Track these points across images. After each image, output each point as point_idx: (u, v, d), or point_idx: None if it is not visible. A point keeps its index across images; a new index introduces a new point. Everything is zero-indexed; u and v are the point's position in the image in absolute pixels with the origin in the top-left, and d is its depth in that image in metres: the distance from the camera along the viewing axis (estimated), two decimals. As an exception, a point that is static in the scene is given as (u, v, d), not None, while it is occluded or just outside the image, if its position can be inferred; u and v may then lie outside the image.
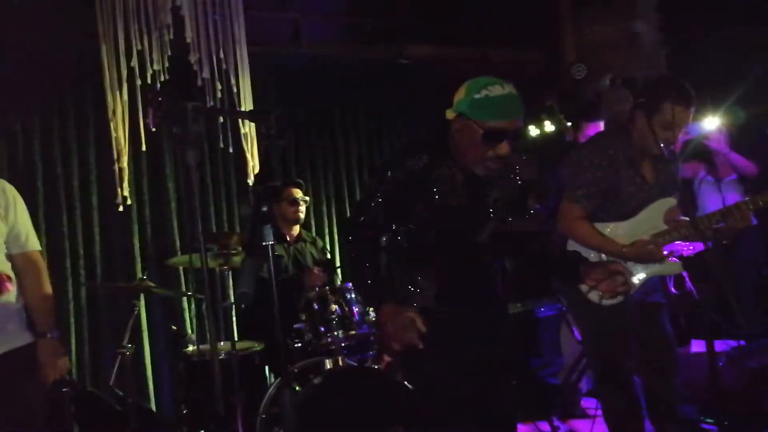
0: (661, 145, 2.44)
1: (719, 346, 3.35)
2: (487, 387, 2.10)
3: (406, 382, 2.91)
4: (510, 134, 1.94)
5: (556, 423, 3.52)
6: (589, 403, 3.71)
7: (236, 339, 3.36)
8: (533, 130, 5.20)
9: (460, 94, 2.00)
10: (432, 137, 2.10)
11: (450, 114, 2.01)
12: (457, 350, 2.04)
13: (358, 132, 4.90)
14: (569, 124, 4.54)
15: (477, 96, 1.94)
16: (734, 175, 4.04)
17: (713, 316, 2.65)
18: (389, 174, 2.01)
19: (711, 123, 3.97)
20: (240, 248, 3.14)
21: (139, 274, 3.80)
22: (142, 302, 3.90)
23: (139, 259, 4.04)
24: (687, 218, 2.56)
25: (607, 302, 2.39)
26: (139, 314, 3.76)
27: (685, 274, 2.82)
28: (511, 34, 5.24)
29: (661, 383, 2.76)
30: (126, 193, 3.80)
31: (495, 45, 5.32)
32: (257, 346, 3.23)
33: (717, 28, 4.20)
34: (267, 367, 3.59)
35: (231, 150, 4.03)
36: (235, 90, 3.89)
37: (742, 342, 3.69)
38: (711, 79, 3.66)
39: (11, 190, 2.30)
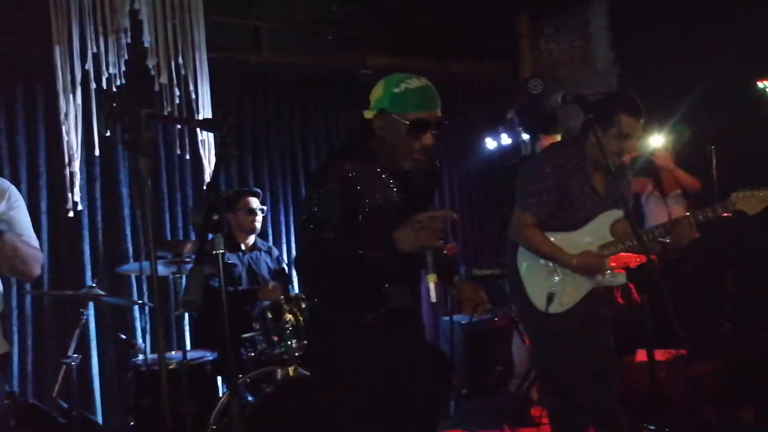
0: (612, 159, 2.53)
1: (661, 355, 3.46)
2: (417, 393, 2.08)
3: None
4: (433, 125, 1.96)
5: (507, 431, 3.58)
6: (539, 412, 3.78)
7: (188, 348, 3.32)
8: (490, 143, 5.31)
9: (377, 92, 2.00)
10: (354, 142, 2.09)
11: (369, 113, 2.00)
12: (389, 360, 2.03)
13: (318, 141, 4.90)
14: (527, 137, 4.65)
15: (397, 90, 1.95)
16: (679, 190, 4.20)
17: (655, 326, 2.75)
18: (324, 182, 1.96)
19: (657, 141, 4.14)
20: (194, 257, 3.10)
21: (89, 282, 3.71)
22: (91, 311, 3.80)
23: (89, 266, 3.94)
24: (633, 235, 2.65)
25: (553, 311, 2.45)
26: (87, 323, 3.67)
27: (631, 285, 2.92)
28: (470, 47, 5.36)
29: (604, 392, 2.84)
30: (77, 198, 3.71)
31: (455, 57, 5.42)
32: (209, 356, 3.19)
33: (666, 48, 4.38)
34: (219, 378, 3.55)
35: (188, 157, 3.99)
36: (193, 96, 3.85)
37: (682, 351, 3.83)
38: (659, 98, 3.81)
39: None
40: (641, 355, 3.85)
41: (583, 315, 2.76)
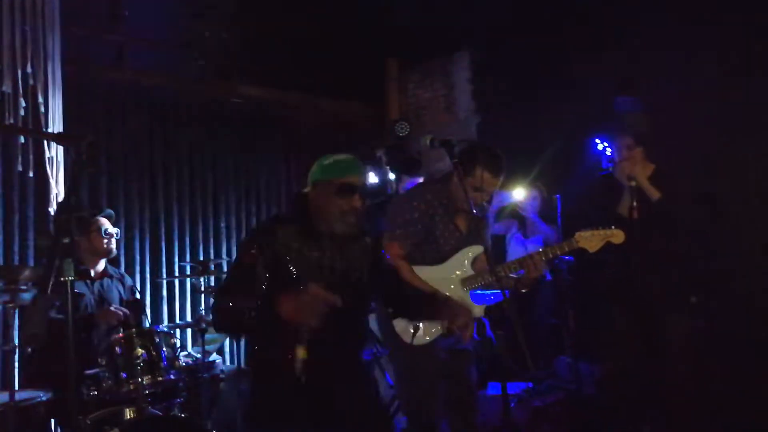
0: (471, 203, 2.69)
1: (512, 388, 3.68)
2: None
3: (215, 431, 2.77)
4: (358, 188, 2.20)
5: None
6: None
7: (16, 388, 2.95)
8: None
9: (312, 171, 2.26)
10: (291, 210, 2.35)
11: (306, 189, 2.27)
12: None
13: (180, 166, 4.68)
14: (392, 176, 4.81)
15: (326, 162, 2.24)
16: (540, 236, 4.58)
17: (508, 361, 2.92)
18: (262, 234, 2.19)
19: (520, 193, 4.53)
20: (31, 284, 2.79)
21: None
22: None
23: None
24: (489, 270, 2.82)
25: (417, 342, 2.51)
26: None
27: (485, 321, 3.08)
28: (342, 86, 5.48)
29: (462, 425, 2.95)
30: None
31: (326, 95, 5.51)
32: (42, 396, 2.86)
33: (521, 101, 4.80)
34: (53, 420, 3.18)
35: (31, 174, 3.63)
36: (42, 109, 3.53)
37: (530, 384, 4.10)
38: (515, 147, 4.15)
39: None
40: (492, 389, 4.08)
41: (447, 348, 2.86)
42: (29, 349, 3.17)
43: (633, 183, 3.11)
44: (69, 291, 1.48)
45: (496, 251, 4.26)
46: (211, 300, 2.23)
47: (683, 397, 3.17)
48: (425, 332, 2.74)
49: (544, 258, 2.79)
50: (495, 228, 4.53)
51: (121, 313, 3.15)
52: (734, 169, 3.76)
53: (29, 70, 3.47)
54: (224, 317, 2.14)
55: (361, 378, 2.31)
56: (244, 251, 2.22)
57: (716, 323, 3.41)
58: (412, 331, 2.63)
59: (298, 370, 1.95)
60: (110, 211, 3.54)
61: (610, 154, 3.56)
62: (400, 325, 2.74)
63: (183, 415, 2.93)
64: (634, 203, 3.05)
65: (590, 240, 2.80)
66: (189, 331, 4.45)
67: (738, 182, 3.63)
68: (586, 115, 4.24)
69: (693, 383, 3.20)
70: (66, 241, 1.43)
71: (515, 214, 4.69)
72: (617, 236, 2.81)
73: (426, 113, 5.86)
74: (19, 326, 3.28)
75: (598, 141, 3.78)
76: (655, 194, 3.14)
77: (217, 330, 2.68)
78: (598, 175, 3.59)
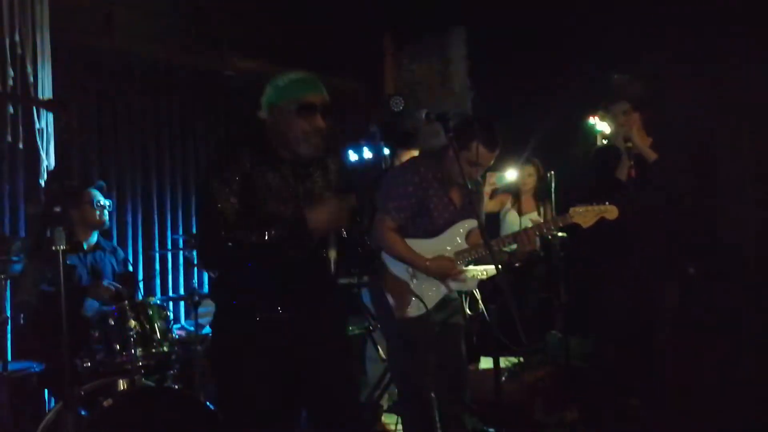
0: (466, 177, 2.68)
1: (503, 362, 3.72)
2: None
3: (208, 402, 2.79)
4: (320, 107, 2.07)
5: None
6: (389, 419, 3.86)
7: (9, 359, 2.96)
8: (353, 156, 5.39)
9: (265, 93, 2.12)
10: (249, 135, 2.16)
11: (262, 113, 2.12)
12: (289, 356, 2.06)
13: (173, 138, 4.63)
14: (387, 152, 4.79)
15: (281, 83, 2.10)
16: (535, 212, 4.58)
17: (499, 335, 2.95)
18: (224, 174, 2.02)
19: (512, 174, 4.54)
20: (22, 256, 2.78)
21: None
22: None
23: None
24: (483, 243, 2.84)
25: (409, 315, 2.53)
26: None
27: (478, 296, 3.11)
28: (336, 61, 5.41)
29: (452, 399, 2.99)
30: None
31: (320, 69, 5.43)
32: (35, 367, 2.86)
33: (517, 78, 4.77)
34: (46, 391, 3.20)
35: (21, 146, 3.58)
36: (32, 79, 3.47)
37: (521, 358, 4.14)
38: (509, 123, 4.14)
39: None
40: (484, 363, 4.12)
41: (440, 321, 2.89)
42: (22, 321, 3.17)
43: (630, 144, 3.11)
44: (60, 260, 1.46)
45: (491, 228, 4.27)
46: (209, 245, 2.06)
47: (674, 370, 3.21)
48: (417, 305, 2.75)
49: (538, 233, 2.81)
50: (484, 201, 4.53)
51: (113, 288, 3.14)
52: (731, 142, 3.76)
53: (17, 38, 3.40)
54: (242, 247, 1.97)
55: (330, 307, 2.21)
56: (217, 187, 2.01)
57: (710, 294, 3.44)
58: (405, 304, 2.65)
59: (333, 269, 2.00)
60: (102, 183, 3.51)
61: (605, 128, 3.55)
62: (392, 298, 2.76)
63: (176, 387, 2.94)
64: (631, 163, 3.06)
65: (584, 215, 2.81)
66: (182, 303, 4.46)
67: (735, 154, 3.63)
68: (583, 91, 4.22)
69: (684, 356, 3.25)
70: (57, 210, 1.41)
71: (511, 190, 4.69)
72: (611, 212, 2.82)
73: (421, 89, 5.81)
74: (11, 297, 3.29)
75: (593, 117, 3.78)
76: (651, 155, 3.14)
77: (208, 263, 2.47)
78: (594, 149, 3.59)
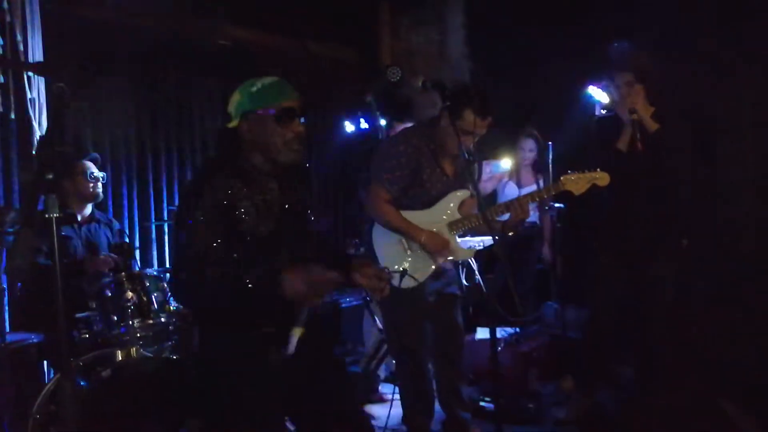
0: (462, 146, 2.66)
1: (499, 332, 3.74)
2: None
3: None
4: (298, 112, 1.98)
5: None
6: (386, 389, 3.91)
7: (8, 330, 2.96)
8: (349, 126, 5.35)
9: (235, 100, 2.00)
10: (225, 153, 2.04)
11: (233, 123, 2.00)
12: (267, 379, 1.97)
13: (167, 109, 4.58)
14: (383, 122, 4.75)
15: (254, 89, 1.98)
16: (533, 185, 4.57)
17: (496, 306, 2.96)
18: (200, 202, 1.90)
19: (507, 163, 4.55)
20: (18, 227, 2.76)
21: None
22: None
23: None
24: (478, 211, 2.83)
25: (405, 286, 2.54)
26: None
27: (475, 267, 3.11)
28: (332, 30, 5.33)
29: (448, 369, 3.02)
30: None
31: (315, 38, 5.36)
32: (34, 338, 2.87)
33: (515, 48, 4.71)
34: (45, 362, 3.21)
35: (13, 116, 3.53)
36: (21, 48, 3.41)
37: (517, 329, 4.18)
38: (507, 94, 4.10)
39: None
40: (481, 333, 4.15)
41: (434, 292, 2.89)
42: (19, 293, 3.17)
43: (635, 116, 3.07)
44: (54, 229, 1.45)
45: (488, 202, 4.26)
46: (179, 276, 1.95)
47: (668, 341, 3.24)
48: (413, 276, 2.75)
49: (530, 201, 2.80)
50: (485, 187, 4.53)
51: (110, 260, 3.13)
52: (731, 115, 3.73)
53: (5, 5, 3.33)
54: (221, 289, 1.86)
55: (318, 323, 2.08)
56: (195, 221, 1.89)
57: (704, 267, 3.45)
58: (400, 274, 2.64)
59: (292, 348, 1.84)
60: (95, 155, 3.47)
61: (604, 100, 3.52)
62: (389, 268, 2.75)
63: (174, 357, 2.96)
64: (638, 135, 3.02)
65: (576, 183, 2.80)
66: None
67: (734, 128, 3.62)
68: (582, 62, 4.17)
69: (678, 327, 3.27)
70: (49, 177, 1.39)
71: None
72: (602, 179, 2.82)
73: (418, 58, 5.73)
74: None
75: (591, 87, 3.73)
76: (653, 126, 3.11)
77: (183, 304, 2.41)
78: (593, 119, 3.56)
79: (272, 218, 1.98)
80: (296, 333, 1.84)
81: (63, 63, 1.46)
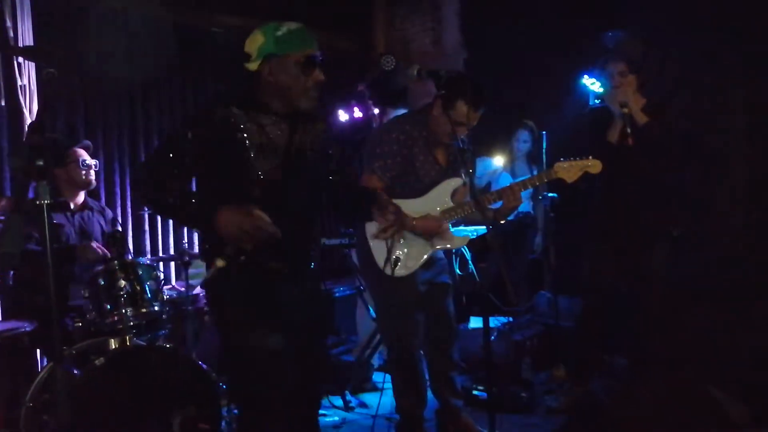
0: (444, 138, 2.65)
1: (492, 322, 3.76)
2: (301, 358, 2.08)
3: (200, 362, 2.81)
4: (319, 60, 2.01)
5: (349, 397, 3.67)
6: (379, 377, 3.92)
7: (0, 319, 2.95)
8: (343, 115, 5.33)
9: (257, 41, 2.00)
10: (241, 89, 2.05)
11: (254, 64, 2.01)
12: (275, 313, 1.99)
13: (161, 96, 4.55)
14: (377, 111, 4.73)
15: (279, 33, 1.98)
16: (527, 174, 4.58)
17: (489, 295, 2.97)
18: (202, 120, 1.96)
19: (499, 161, 4.56)
20: (8, 215, 2.74)
21: None
22: None
23: None
24: (471, 198, 2.83)
25: (397, 274, 2.53)
26: None
27: (468, 257, 3.12)
28: (326, 18, 5.28)
29: (441, 358, 3.02)
30: None
31: (309, 26, 5.32)
32: (27, 327, 2.86)
33: (510, 38, 4.69)
34: (39, 351, 3.20)
35: (3, 103, 3.49)
36: (11, 34, 3.37)
37: (510, 318, 4.20)
38: (502, 83, 4.08)
39: None
40: (474, 322, 4.17)
41: (427, 281, 2.89)
42: (10, 281, 3.15)
43: (626, 110, 3.06)
44: (45, 215, 1.43)
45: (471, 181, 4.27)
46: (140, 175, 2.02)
47: (659, 330, 3.26)
48: (405, 264, 2.76)
49: (523, 188, 2.80)
50: (480, 180, 4.54)
51: (101, 251, 3.11)
52: (723, 106, 3.74)
53: (-5, -10, 3.29)
54: (147, 194, 1.95)
55: (310, 279, 2.13)
56: (177, 136, 1.97)
57: (696, 256, 3.47)
58: (393, 264, 2.65)
59: (207, 275, 1.88)
60: (87, 142, 3.44)
61: (598, 90, 3.51)
62: (381, 257, 2.76)
63: (167, 346, 2.96)
64: (628, 130, 3.02)
65: (568, 170, 2.80)
66: (173, 264, 4.45)
67: (726, 119, 3.62)
68: (578, 51, 4.16)
69: (669, 316, 3.29)
70: (39, 163, 1.37)
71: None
72: (594, 166, 2.81)
73: (413, 47, 5.71)
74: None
75: (586, 77, 3.73)
76: (642, 119, 3.11)
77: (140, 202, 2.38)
78: (587, 109, 3.55)
79: (275, 159, 1.99)
80: (218, 263, 1.86)
81: (53, 48, 1.43)
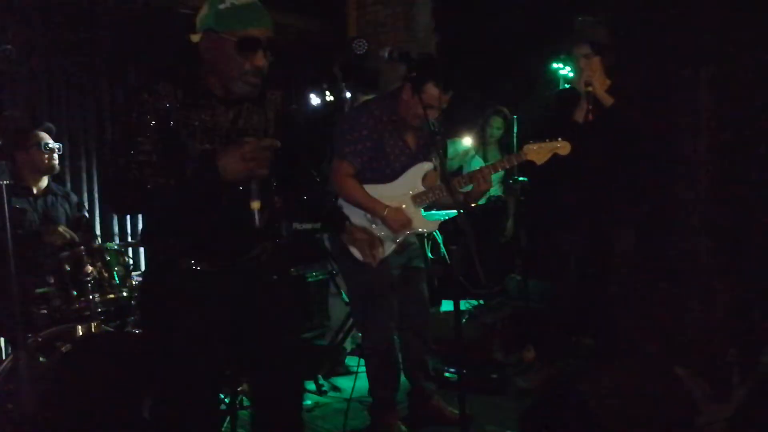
0: (413, 121, 2.64)
1: (463, 305, 3.80)
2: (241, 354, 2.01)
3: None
4: (263, 44, 1.82)
5: (321, 381, 3.67)
6: (352, 362, 3.93)
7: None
8: (314, 99, 5.28)
9: (202, 12, 1.84)
10: (177, 64, 1.90)
11: (195, 37, 1.84)
12: (207, 312, 1.88)
13: (126, 78, 4.43)
14: (348, 95, 4.70)
15: (222, 6, 1.79)
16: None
17: (460, 278, 2.99)
18: (136, 103, 1.79)
19: (468, 141, 4.57)
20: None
21: None
22: None
23: None
24: (441, 182, 2.84)
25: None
26: None
27: (440, 240, 3.13)
28: (297, 1, 5.21)
29: (414, 341, 3.04)
30: None
31: (281, 9, 5.24)
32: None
33: (480, 21, 4.69)
34: (3, 340, 3.13)
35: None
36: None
37: (481, 301, 4.24)
38: (472, 67, 4.10)
39: None
40: (445, 305, 4.20)
41: (400, 265, 2.90)
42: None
43: (590, 88, 3.11)
44: (4, 196, 1.39)
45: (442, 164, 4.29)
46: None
47: (626, 311, 3.33)
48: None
49: (493, 171, 2.82)
50: (451, 162, 4.55)
51: (68, 235, 3.04)
52: (688, 92, 3.79)
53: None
54: (134, 191, 1.75)
55: (259, 262, 1.97)
56: (126, 116, 1.80)
57: (663, 239, 3.54)
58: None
59: (257, 222, 1.75)
60: (50, 125, 3.34)
61: (568, 74, 3.55)
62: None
63: (136, 332, 2.92)
64: (589, 107, 3.07)
65: (538, 152, 2.82)
66: (142, 250, 4.37)
67: (690, 104, 3.68)
68: (549, 35, 4.19)
69: (637, 298, 3.36)
70: (-2, 144, 1.33)
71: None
72: (564, 148, 2.84)
73: (384, 30, 5.67)
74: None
75: (556, 62, 3.76)
76: (608, 100, 3.16)
77: (117, 208, 2.40)
78: (554, 93, 3.58)
79: (216, 141, 1.83)
80: (255, 206, 1.76)
81: (10, 24, 1.37)
